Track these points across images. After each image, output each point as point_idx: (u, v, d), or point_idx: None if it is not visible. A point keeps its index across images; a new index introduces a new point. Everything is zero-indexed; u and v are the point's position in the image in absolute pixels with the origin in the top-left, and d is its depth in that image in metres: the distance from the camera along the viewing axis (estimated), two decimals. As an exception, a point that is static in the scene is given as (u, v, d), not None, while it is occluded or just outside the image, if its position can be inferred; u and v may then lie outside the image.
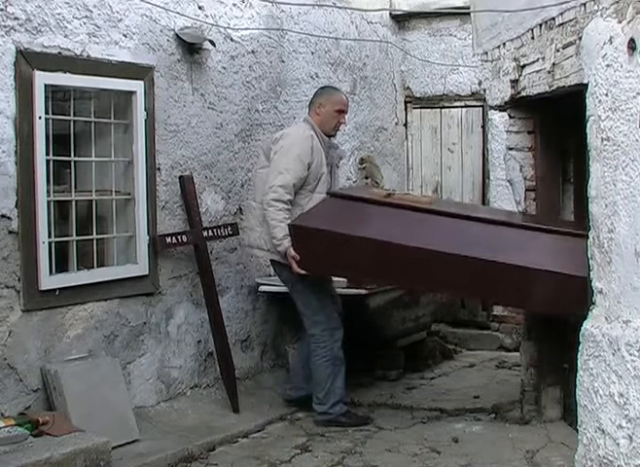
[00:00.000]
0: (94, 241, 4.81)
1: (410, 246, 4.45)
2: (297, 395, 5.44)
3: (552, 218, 4.98)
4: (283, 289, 5.41)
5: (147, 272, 5.03)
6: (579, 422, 3.47)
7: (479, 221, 4.63)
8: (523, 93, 4.69)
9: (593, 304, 3.44)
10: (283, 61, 6.27)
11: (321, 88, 5.56)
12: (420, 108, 7.96)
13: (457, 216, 4.68)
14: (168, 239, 5.12)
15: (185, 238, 5.22)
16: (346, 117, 5.37)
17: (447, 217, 4.67)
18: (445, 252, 4.40)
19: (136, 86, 4.94)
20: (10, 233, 4.25)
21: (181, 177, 5.27)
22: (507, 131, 5.08)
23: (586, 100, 3.46)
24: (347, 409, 5.18)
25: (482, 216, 4.74)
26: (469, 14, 5.80)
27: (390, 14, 7.70)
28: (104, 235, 4.92)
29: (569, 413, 4.67)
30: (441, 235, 4.55)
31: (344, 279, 5.53)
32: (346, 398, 5.26)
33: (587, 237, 3.57)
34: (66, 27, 4.51)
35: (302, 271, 4.86)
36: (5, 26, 4.19)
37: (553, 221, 4.89)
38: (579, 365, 3.46)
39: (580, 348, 3.45)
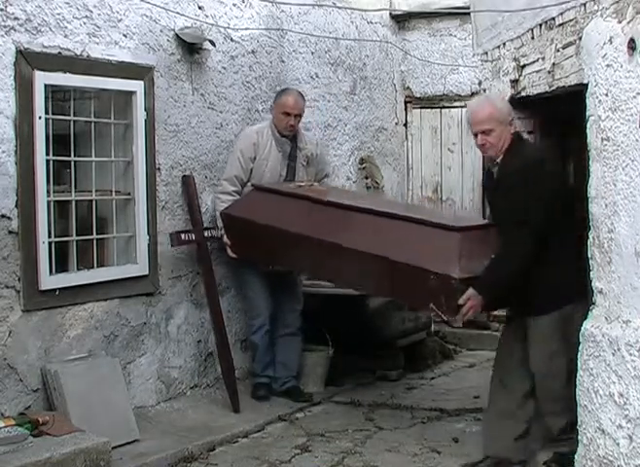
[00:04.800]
0: (94, 241, 4.81)
1: (292, 232, 4.72)
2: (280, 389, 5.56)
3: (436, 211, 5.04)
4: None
5: (147, 272, 5.03)
6: (579, 422, 3.47)
7: (359, 211, 4.68)
8: (523, 93, 4.68)
9: (593, 303, 3.44)
10: (283, 61, 6.27)
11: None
12: (420, 108, 7.96)
13: (341, 206, 4.78)
14: (183, 236, 5.22)
15: (192, 237, 5.29)
16: (297, 119, 5.43)
17: (335, 208, 4.79)
18: (326, 241, 4.57)
19: (136, 86, 4.95)
20: (10, 233, 4.26)
21: (183, 177, 5.29)
22: (507, 131, 5.07)
23: (586, 100, 3.45)
24: (261, 383, 5.51)
25: (362, 206, 4.74)
26: (469, 14, 5.80)
27: (390, 14, 7.70)
28: (104, 235, 4.92)
29: (569, 414, 4.66)
30: (325, 225, 4.69)
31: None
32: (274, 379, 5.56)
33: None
34: (66, 27, 4.51)
35: (234, 255, 5.27)
36: (5, 26, 4.19)
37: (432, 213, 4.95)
38: (579, 365, 3.45)
39: (580, 348, 3.45)
